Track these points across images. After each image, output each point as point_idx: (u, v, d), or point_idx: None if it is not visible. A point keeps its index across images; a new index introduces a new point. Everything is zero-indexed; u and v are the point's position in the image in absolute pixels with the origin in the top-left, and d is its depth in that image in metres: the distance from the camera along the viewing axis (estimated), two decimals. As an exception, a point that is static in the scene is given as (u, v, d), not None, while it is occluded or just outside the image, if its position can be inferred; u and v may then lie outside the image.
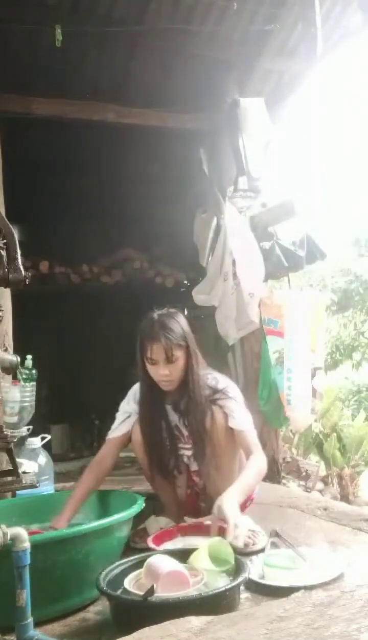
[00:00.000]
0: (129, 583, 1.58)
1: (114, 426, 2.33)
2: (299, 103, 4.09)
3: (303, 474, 4.28)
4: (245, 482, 2.06)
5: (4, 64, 3.43)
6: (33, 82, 3.61)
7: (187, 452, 2.31)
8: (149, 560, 1.62)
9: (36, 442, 2.67)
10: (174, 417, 2.30)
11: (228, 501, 1.90)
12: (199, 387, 2.21)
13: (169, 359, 2.13)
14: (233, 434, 2.21)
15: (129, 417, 2.32)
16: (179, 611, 1.32)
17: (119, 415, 2.34)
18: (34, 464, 2.57)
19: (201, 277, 3.82)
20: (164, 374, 2.15)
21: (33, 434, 2.69)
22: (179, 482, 2.34)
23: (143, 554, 1.75)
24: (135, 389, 2.35)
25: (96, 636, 1.54)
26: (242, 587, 1.61)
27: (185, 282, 4.83)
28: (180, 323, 2.18)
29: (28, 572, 1.39)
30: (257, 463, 2.14)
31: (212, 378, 2.27)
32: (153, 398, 2.27)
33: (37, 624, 1.44)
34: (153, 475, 2.30)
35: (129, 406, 2.33)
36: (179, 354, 2.15)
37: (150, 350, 2.13)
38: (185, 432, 2.29)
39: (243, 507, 2.29)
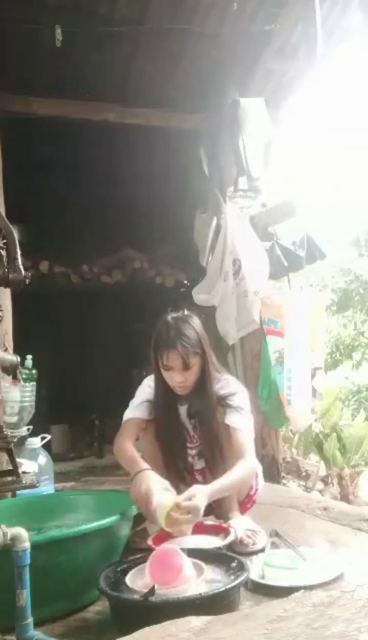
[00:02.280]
0: (131, 580, 1.58)
1: (132, 405, 2.27)
2: (300, 103, 4.08)
3: (303, 474, 4.28)
4: (225, 483, 2.00)
5: (4, 64, 3.44)
6: (34, 82, 3.62)
7: (191, 451, 2.32)
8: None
9: (36, 442, 2.68)
10: (184, 418, 2.31)
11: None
12: (213, 391, 2.20)
13: (186, 366, 2.11)
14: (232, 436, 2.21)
15: (146, 402, 2.27)
16: (179, 611, 1.32)
17: (137, 398, 2.29)
18: (34, 464, 2.57)
19: (201, 277, 3.82)
20: (180, 380, 2.14)
21: (33, 434, 2.69)
22: (185, 481, 2.35)
23: (143, 554, 1.75)
24: (149, 379, 2.34)
25: (96, 636, 1.54)
26: (242, 587, 1.61)
27: (185, 282, 4.83)
28: (195, 328, 2.16)
29: (28, 572, 1.39)
30: (243, 469, 2.09)
31: (224, 381, 2.26)
32: (168, 400, 2.26)
33: (37, 624, 1.44)
34: (167, 473, 2.29)
35: (145, 394, 2.29)
36: (195, 361, 2.13)
37: (166, 357, 2.11)
38: (191, 432, 2.30)
39: (244, 507, 2.30)
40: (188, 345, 2.09)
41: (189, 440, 2.31)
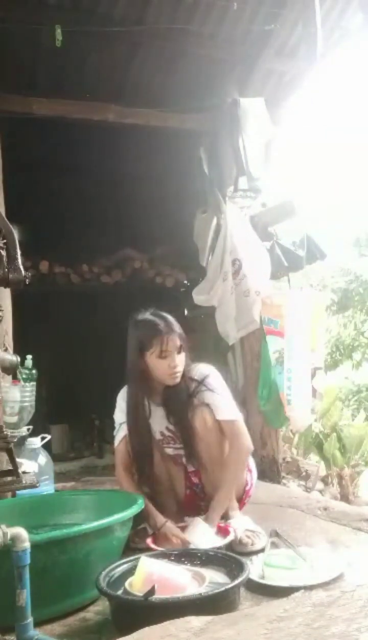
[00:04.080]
0: (129, 584, 1.58)
1: (117, 436, 2.33)
2: (300, 103, 4.08)
3: (303, 474, 4.27)
4: (230, 487, 2.19)
5: (4, 64, 3.43)
6: (34, 82, 3.62)
7: (183, 451, 2.30)
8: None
9: (36, 442, 2.68)
10: (164, 420, 2.30)
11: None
12: (187, 381, 2.24)
13: (180, 349, 2.18)
14: (221, 427, 2.22)
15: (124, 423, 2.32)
16: (178, 611, 1.32)
17: (119, 417, 2.35)
18: (34, 464, 2.57)
19: (201, 277, 3.81)
20: (176, 364, 2.18)
21: (33, 434, 2.69)
22: (177, 483, 2.34)
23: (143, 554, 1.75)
24: (124, 395, 2.35)
25: (96, 636, 1.54)
26: (242, 587, 1.61)
27: (185, 282, 4.83)
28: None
29: (28, 572, 1.39)
30: (232, 469, 2.20)
31: (194, 367, 2.30)
32: (143, 401, 2.26)
33: (37, 624, 1.44)
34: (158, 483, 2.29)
35: (123, 414, 2.32)
36: (184, 345, 2.20)
37: (165, 343, 2.16)
38: (171, 433, 2.30)
39: (242, 504, 2.31)
40: (179, 328, 2.21)
41: (178, 441, 2.29)
